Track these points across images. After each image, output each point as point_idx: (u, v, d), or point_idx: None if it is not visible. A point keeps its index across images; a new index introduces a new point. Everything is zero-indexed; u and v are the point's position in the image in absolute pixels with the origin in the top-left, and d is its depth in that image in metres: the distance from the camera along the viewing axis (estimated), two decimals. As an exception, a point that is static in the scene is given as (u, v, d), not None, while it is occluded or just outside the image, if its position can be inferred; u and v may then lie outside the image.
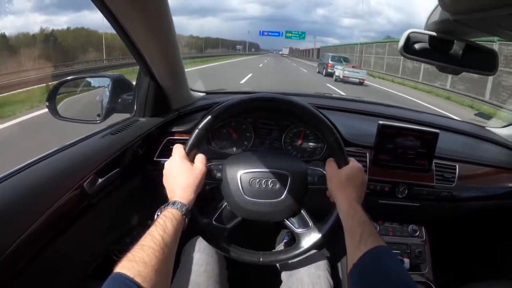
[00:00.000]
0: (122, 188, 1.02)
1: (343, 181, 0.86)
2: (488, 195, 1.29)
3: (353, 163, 0.90)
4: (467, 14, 0.64)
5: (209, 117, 0.88)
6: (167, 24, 0.96)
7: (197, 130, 0.87)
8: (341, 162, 0.90)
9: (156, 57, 1.03)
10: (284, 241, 1.37)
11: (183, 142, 0.89)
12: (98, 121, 1.10)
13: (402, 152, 1.14)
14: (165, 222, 0.69)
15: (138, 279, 0.55)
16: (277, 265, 1.10)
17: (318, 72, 20.52)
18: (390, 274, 0.65)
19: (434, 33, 0.82)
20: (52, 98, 1.07)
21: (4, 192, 0.69)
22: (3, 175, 0.72)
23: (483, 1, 0.56)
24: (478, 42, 0.86)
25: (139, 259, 0.58)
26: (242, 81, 13.08)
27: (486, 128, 1.62)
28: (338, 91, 10.94)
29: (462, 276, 1.38)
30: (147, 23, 0.89)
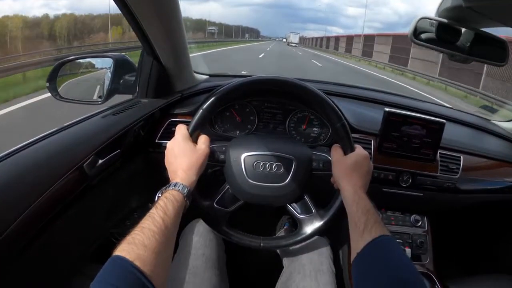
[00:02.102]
0: (123, 169, 1.01)
1: (348, 168, 0.85)
2: (491, 188, 1.28)
3: (359, 150, 0.89)
4: (481, 1, 0.63)
5: (213, 98, 0.86)
6: (173, 3, 0.94)
7: (200, 111, 0.86)
8: (347, 149, 0.89)
9: (160, 37, 1.01)
10: (285, 227, 1.37)
11: (186, 124, 0.87)
12: (100, 102, 1.08)
13: (408, 140, 1.13)
14: (166, 204, 0.68)
15: (137, 263, 0.54)
16: (278, 250, 1.11)
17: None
18: (394, 262, 0.64)
19: (445, 20, 0.81)
20: (52, 79, 1.05)
21: (2, 171, 0.68)
22: (2, 154, 0.72)
23: None
24: (488, 32, 0.84)
25: (138, 242, 0.57)
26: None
27: (492, 121, 1.60)
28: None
29: (463, 268, 1.39)
30: (153, 2, 0.87)
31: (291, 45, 62.17)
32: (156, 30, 0.98)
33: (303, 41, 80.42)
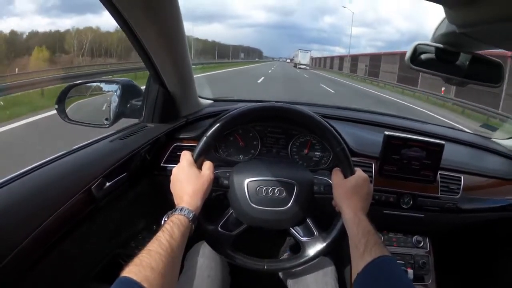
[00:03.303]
0: (129, 192, 1.03)
1: (349, 191, 0.87)
2: (493, 207, 1.28)
3: (359, 173, 0.91)
4: (473, 27, 0.65)
5: (218, 124, 0.89)
6: (178, 31, 0.97)
7: (205, 138, 0.89)
8: (347, 172, 0.91)
9: (166, 64, 1.04)
10: (287, 253, 1.37)
11: (191, 149, 0.90)
12: (107, 125, 1.11)
13: (408, 163, 1.14)
14: (172, 228, 0.70)
15: (145, 284, 0.55)
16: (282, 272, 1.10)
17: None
18: (394, 282, 0.65)
19: (440, 45, 0.83)
20: (61, 101, 1.08)
21: (12, 193, 0.70)
22: (12, 176, 0.74)
23: (490, 14, 0.57)
24: (484, 55, 0.87)
25: (146, 264, 0.59)
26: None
27: (492, 139, 1.61)
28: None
29: (465, 287, 1.37)
30: (159, 30, 0.91)
31: (300, 67, 47.19)
32: (163, 58, 1.01)
33: (311, 61, 63.02)
